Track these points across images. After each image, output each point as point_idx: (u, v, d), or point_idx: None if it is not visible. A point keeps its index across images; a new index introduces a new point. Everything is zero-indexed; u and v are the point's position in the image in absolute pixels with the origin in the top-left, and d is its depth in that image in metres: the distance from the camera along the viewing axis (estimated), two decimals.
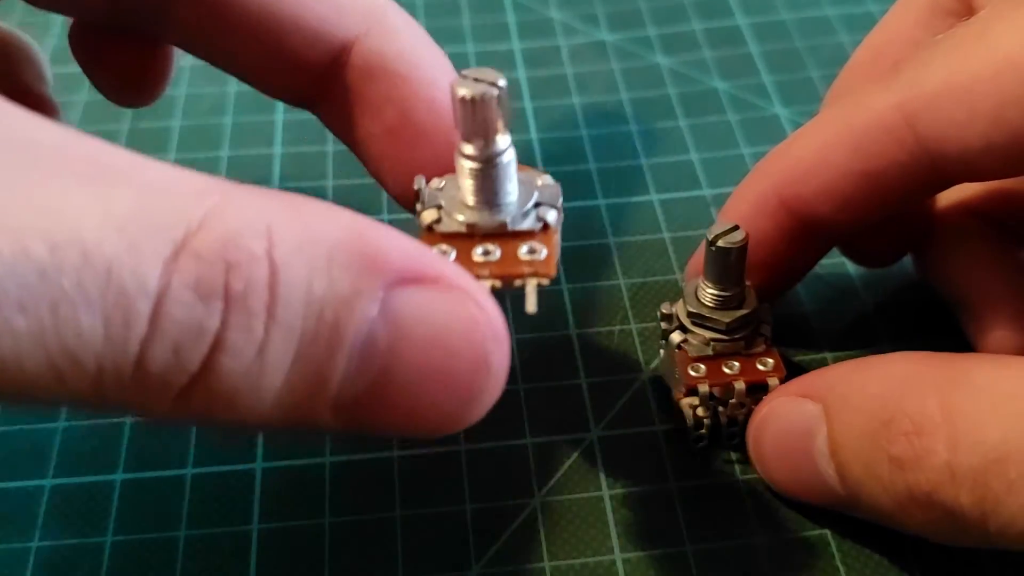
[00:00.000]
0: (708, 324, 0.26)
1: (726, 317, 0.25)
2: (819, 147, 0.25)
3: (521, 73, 0.39)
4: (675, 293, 0.30)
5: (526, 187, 0.20)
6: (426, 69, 0.22)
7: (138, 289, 0.14)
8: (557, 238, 0.20)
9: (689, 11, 0.42)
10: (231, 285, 0.14)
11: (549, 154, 0.35)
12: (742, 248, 0.24)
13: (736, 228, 0.24)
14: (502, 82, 0.18)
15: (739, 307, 0.26)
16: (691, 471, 0.26)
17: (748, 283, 0.26)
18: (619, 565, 0.24)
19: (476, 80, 0.18)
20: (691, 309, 0.26)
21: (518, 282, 0.19)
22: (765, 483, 0.25)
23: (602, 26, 0.41)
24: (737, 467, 0.26)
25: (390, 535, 0.25)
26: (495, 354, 0.17)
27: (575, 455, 0.27)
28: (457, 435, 0.27)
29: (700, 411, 0.26)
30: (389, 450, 0.27)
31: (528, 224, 0.20)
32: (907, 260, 0.29)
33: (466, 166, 0.19)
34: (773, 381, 0.25)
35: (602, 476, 0.26)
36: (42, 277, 0.13)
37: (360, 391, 0.16)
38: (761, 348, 0.26)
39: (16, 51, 0.26)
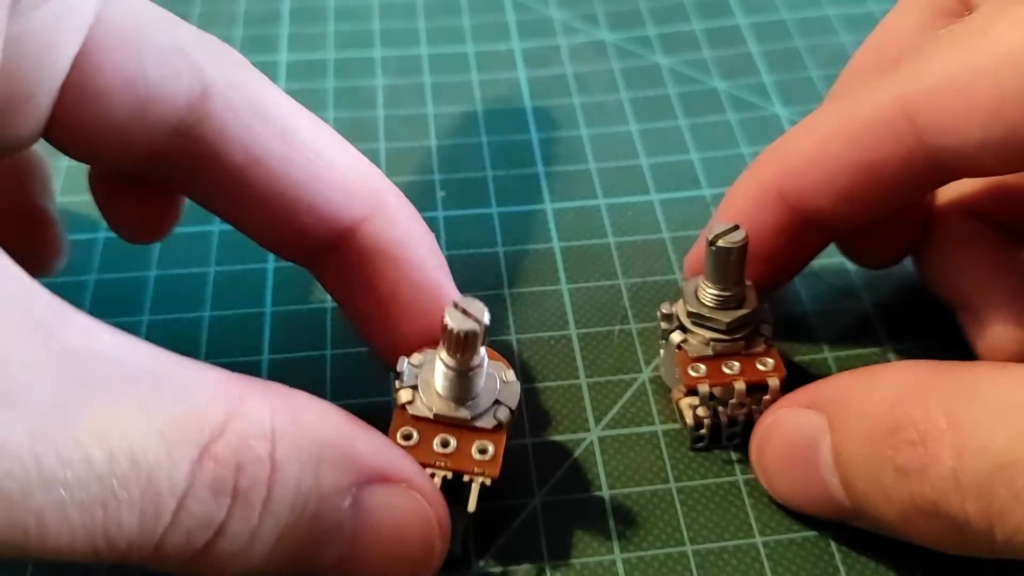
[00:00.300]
0: (708, 324, 0.26)
1: (726, 317, 0.25)
2: (818, 140, 0.25)
3: (521, 73, 0.39)
4: (675, 293, 0.30)
5: (490, 382, 0.23)
6: (417, 251, 0.25)
7: (169, 490, 0.17)
8: (507, 432, 0.24)
9: (689, 11, 0.42)
10: (239, 484, 0.18)
11: (549, 154, 0.35)
12: (742, 248, 0.24)
13: (736, 228, 0.24)
14: (486, 319, 0.21)
15: (739, 307, 0.25)
16: (691, 471, 0.26)
17: (748, 283, 0.26)
18: (619, 565, 0.24)
19: (465, 313, 0.21)
20: (691, 309, 0.26)
21: (466, 478, 0.23)
22: (762, 488, 0.25)
23: (602, 26, 0.41)
24: (737, 467, 0.26)
25: None
26: (439, 545, 0.21)
27: (575, 455, 0.27)
28: None
29: (700, 411, 0.26)
30: None
31: (485, 423, 0.23)
32: (907, 261, 0.29)
33: (442, 369, 0.23)
34: (773, 381, 0.25)
35: (602, 476, 0.26)
36: (100, 483, 0.16)
37: (327, 564, 0.20)
38: (761, 348, 0.26)
39: (26, 165, 0.28)
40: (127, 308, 0.30)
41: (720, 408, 0.26)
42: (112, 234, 0.28)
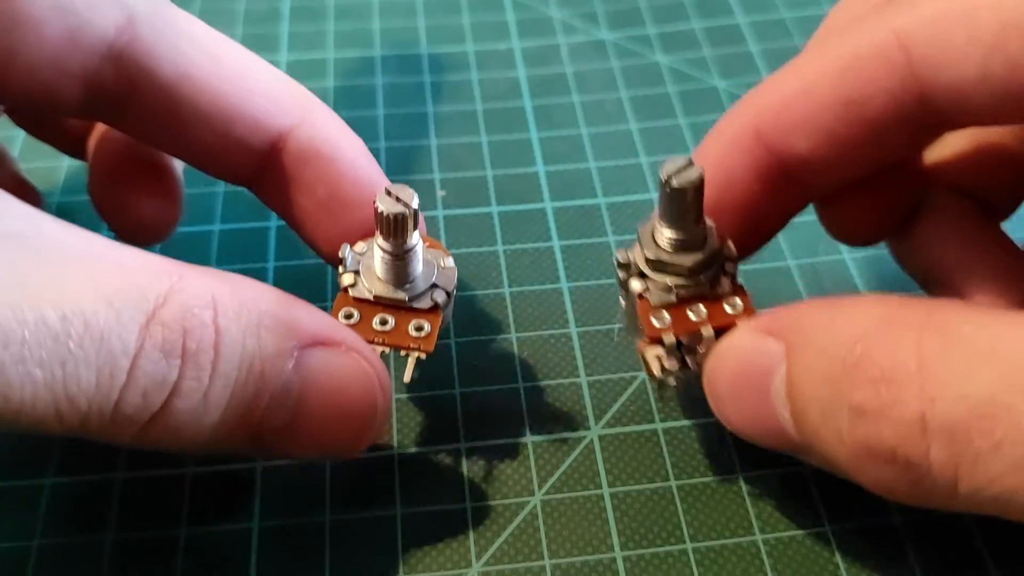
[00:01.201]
0: (669, 270, 0.24)
1: (688, 260, 0.23)
2: (802, 76, 0.24)
3: (521, 72, 0.39)
4: None
5: (428, 268, 0.25)
6: (348, 151, 0.26)
7: (122, 350, 0.19)
8: (448, 311, 0.25)
9: (689, 9, 0.42)
10: (187, 346, 0.19)
11: (549, 153, 0.35)
12: (699, 186, 0.22)
13: (691, 163, 0.22)
14: (415, 203, 0.23)
15: (700, 248, 0.24)
16: (691, 469, 0.26)
17: (708, 221, 0.24)
18: (619, 563, 0.24)
19: (396, 199, 0.23)
20: (649, 255, 0.24)
21: (403, 353, 0.24)
22: (762, 486, 0.25)
23: (601, 24, 0.41)
24: (738, 465, 0.26)
25: (390, 533, 0.25)
26: (381, 400, 0.22)
27: (575, 453, 0.27)
28: (458, 433, 0.27)
29: (668, 363, 0.24)
30: (390, 448, 0.27)
31: (422, 303, 0.24)
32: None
33: (380, 254, 0.24)
34: (743, 324, 0.23)
35: (602, 474, 0.26)
36: (56, 341, 0.18)
37: (277, 426, 0.21)
38: (728, 288, 0.24)
39: None
40: None
41: (689, 357, 0.24)
42: (112, 235, 0.28)
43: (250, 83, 0.25)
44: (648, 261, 0.24)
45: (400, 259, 0.24)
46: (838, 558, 0.24)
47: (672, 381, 0.24)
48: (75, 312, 0.18)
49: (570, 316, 0.30)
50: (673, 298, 0.24)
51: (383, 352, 0.24)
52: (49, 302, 0.18)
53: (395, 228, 0.23)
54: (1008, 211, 0.27)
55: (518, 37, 0.41)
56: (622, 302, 0.26)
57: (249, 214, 0.33)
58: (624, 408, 0.28)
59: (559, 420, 0.27)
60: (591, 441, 0.27)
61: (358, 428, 0.22)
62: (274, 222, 0.33)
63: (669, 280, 0.24)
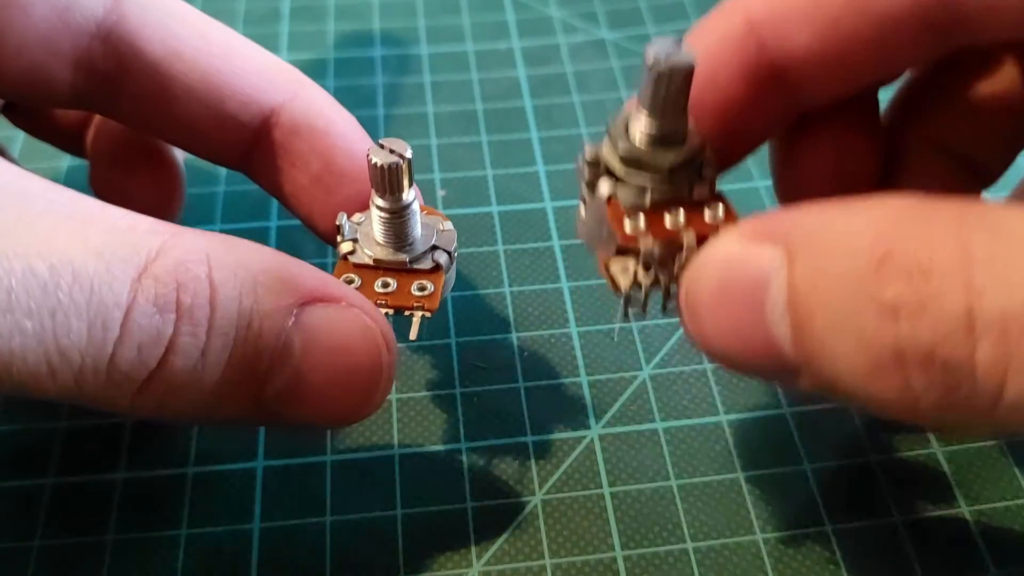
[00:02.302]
0: (646, 167, 0.21)
1: (667, 158, 0.21)
2: None
3: (521, 72, 0.39)
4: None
5: (428, 231, 0.25)
6: (341, 125, 0.26)
7: (113, 302, 0.18)
8: (451, 274, 0.25)
9: (688, 9, 0.42)
10: (181, 300, 0.19)
11: (549, 152, 0.35)
12: (689, 72, 0.20)
13: (680, 43, 0.20)
14: (408, 153, 0.23)
15: (680, 145, 0.21)
16: (692, 469, 0.26)
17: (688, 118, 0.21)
18: (620, 562, 0.24)
19: (390, 151, 0.23)
20: (624, 151, 0.21)
21: (407, 312, 0.23)
22: (763, 485, 0.25)
23: (601, 24, 0.41)
24: (738, 464, 0.26)
25: (391, 533, 0.25)
26: (386, 356, 0.21)
27: (576, 453, 0.27)
28: (458, 433, 0.27)
29: (640, 275, 0.21)
30: (391, 448, 0.27)
31: (424, 264, 0.24)
32: None
33: (377, 214, 0.24)
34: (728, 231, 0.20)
35: (603, 474, 0.26)
36: (44, 290, 0.18)
37: (280, 388, 0.20)
38: (706, 194, 0.21)
39: None
40: None
41: (660, 270, 0.21)
42: None
43: (240, 60, 0.25)
44: (622, 158, 0.21)
45: (398, 217, 0.24)
46: (838, 557, 0.24)
47: (641, 296, 0.21)
48: (63, 263, 0.18)
49: (570, 316, 0.30)
50: (647, 201, 0.21)
51: (386, 313, 0.23)
52: (36, 253, 0.18)
53: (390, 180, 0.23)
54: (996, 174, 0.25)
55: (518, 37, 0.41)
56: (581, 210, 0.23)
57: (249, 214, 0.33)
58: (625, 407, 0.28)
59: (559, 420, 0.27)
60: (592, 441, 0.27)
61: (364, 387, 0.21)
62: (275, 222, 0.33)
63: (644, 181, 0.21)
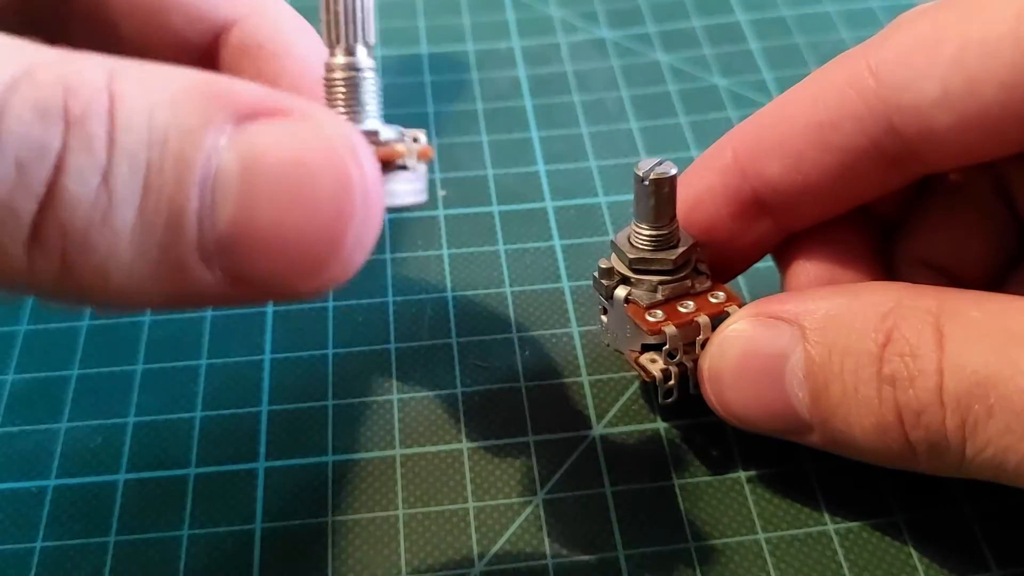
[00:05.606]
0: (654, 267, 0.25)
1: (670, 255, 0.25)
2: (779, 105, 0.25)
3: (521, 71, 0.39)
4: None
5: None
6: (296, 49, 0.23)
7: None
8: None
9: (689, 8, 0.42)
10: (69, 107, 0.15)
11: (549, 152, 0.35)
12: (673, 179, 0.24)
13: (663, 161, 0.24)
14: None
15: (677, 245, 0.25)
16: (694, 468, 0.26)
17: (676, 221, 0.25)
18: (622, 562, 0.24)
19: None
20: (632, 256, 0.25)
21: (399, 160, 0.19)
22: (764, 484, 0.25)
23: (602, 23, 0.41)
24: (740, 463, 0.26)
25: (393, 533, 0.25)
26: (356, 171, 0.16)
27: (577, 452, 0.27)
28: (459, 433, 0.27)
29: (663, 363, 0.25)
30: (392, 448, 0.27)
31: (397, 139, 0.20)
32: None
33: (335, 77, 0.20)
34: (733, 310, 0.25)
35: (604, 473, 0.26)
36: None
37: (222, 229, 0.16)
38: (707, 284, 0.25)
39: None
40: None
41: (685, 355, 0.25)
42: None
43: None
44: (632, 263, 0.25)
45: (359, 79, 0.20)
46: (840, 556, 0.24)
47: (673, 380, 0.25)
48: None
49: (571, 315, 0.30)
50: (660, 296, 0.25)
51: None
52: None
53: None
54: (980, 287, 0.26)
55: (518, 36, 0.41)
56: (603, 319, 0.27)
57: None
58: (626, 407, 0.28)
59: (561, 419, 0.27)
60: (593, 440, 0.27)
61: (331, 218, 0.16)
62: None
63: (654, 279, 0.25)
